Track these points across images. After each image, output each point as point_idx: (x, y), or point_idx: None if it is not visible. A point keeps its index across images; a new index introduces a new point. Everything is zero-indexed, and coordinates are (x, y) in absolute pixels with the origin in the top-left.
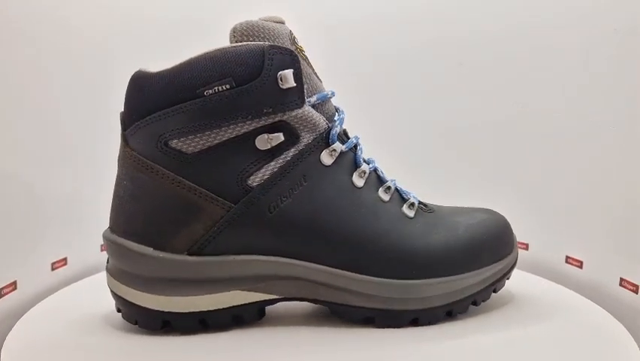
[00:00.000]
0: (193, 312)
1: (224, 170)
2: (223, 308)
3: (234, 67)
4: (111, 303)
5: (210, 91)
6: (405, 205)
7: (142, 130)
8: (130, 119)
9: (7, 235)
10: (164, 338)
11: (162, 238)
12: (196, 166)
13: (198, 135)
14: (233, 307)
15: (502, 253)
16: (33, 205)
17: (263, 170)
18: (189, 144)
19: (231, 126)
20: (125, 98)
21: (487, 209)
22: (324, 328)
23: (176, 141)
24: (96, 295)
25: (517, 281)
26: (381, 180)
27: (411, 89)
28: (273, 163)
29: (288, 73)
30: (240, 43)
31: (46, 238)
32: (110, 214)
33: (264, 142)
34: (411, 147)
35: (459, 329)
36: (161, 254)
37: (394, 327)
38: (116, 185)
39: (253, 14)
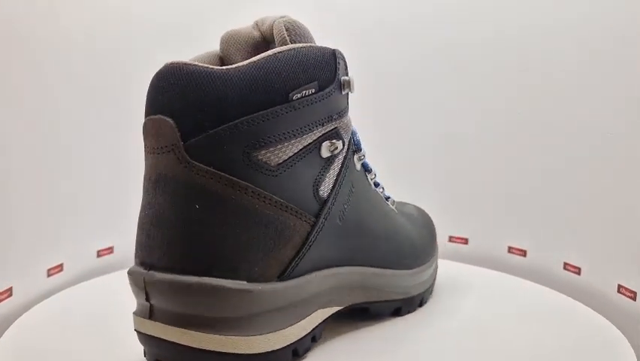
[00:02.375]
0: (287, 345)
1: (302, 181)
2: (308, 332)
3: (318, 70)
4: (104, 309)
5: (298, 95)
6: (389, 202)
7: (219, 140)
8: (196, 127)
9: (3, 242)
10: None
11: (253, 267)
12: (280, 179)
13: (285, 144)
14: (314, 328)
15: (436, 243)
16: (29, 211)
17: (327, 179)
18: (276, 155)
19: (309, 133)
20: (174, 101)
21: (409, 203)
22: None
23: (264, 151)
24: (90, 300)
25: (515, 288)
26: (375, 181)
27: (408, 92)
28: (331, 171)
29: (351, 78)
30: (311, 45)
31: (42, 244)
32: (157, 249)
33: (327, 149)
34: (409, 150)
35: (455, 333)
36: (259, 286)
37: (410, 312)
38: (167, 210)
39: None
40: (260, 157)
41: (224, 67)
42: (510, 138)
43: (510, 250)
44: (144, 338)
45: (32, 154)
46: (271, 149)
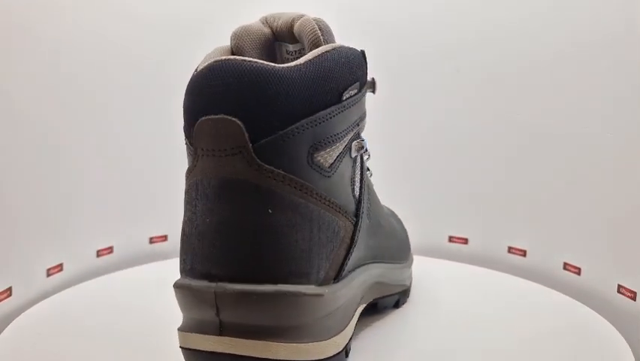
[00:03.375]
0: (345, 346)
1: (344, 181)
2: (353, 331)
3: (358, 70)
4: (104, 309)
5: (347, 95)
6: None
7: (287, 141)
8: (265, 127)
9: (3, 241)
10: (161, 343)
11: (320, 270)
12: (332, 180)
13: (336, 145)
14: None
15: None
16: (29, 211)
17: (356, 178)
18: (330, 155)
19: (349, 133)
20: (241, 100)
21: None
22: None
23: (322, 152)
24: (90, 300)
25: (515, 288)
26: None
27: (407, 91)
28: (357, 170)
29: (375, 79)
30: (343, 45)
31: (42, 244)
32: (226, 259)
33: (355, 149)
34: (408, 150)
35: (455, 332)
36: (326, 289)
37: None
38: (237, 217)
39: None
40: (319, 158)
41: (284, 65)
42: (510, 138)
43: (510, 250)
44: (207, 356)
45: (32, 154)
46: (327, 150)
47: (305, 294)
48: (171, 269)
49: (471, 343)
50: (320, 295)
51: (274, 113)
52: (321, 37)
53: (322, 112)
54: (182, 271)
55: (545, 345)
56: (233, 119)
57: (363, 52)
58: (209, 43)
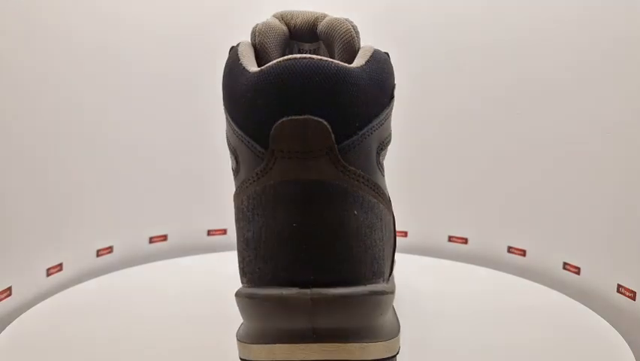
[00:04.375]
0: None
1: (385, 179)
2: None
3: (393, 72)
4: (104, 309)
5: (393, 95)
6: None
7: (365, 142)
8: (347, 128)
9: (3, 241)
10: (161, 343)
11: (389, 268)
12: (384, 179)
13: (389, 145)
14: None
15: None
16: (29, 211)
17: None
18: (383, 155)
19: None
20: (325, 100)
21: None
22: None
23: (383, 152)
24: (90, 300)
25: (514, 287)
26: None
27: (405, 92)
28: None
29: None
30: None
31: (42, 243)
32: (318, 264)
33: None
34: (408, 149)
35: (455, 332)
36: (392, 287)
37: None
38: (326, 220)
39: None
40: (380, 158)
41: (352, 65)
42: (510, 137)
43: (510, 249)
44: None
45: (32, 154)
46: (385, 150)
47: (387, 292)
48: (171, 269)
49: (471, 342)
50: (393, 293)
51: (355, 113)
52: (356, 39)
53: (383, 112)
54: (257, 280)
55: (545, 345)
56: (320, 119)
57: (387, 54)
58: (210, 42)
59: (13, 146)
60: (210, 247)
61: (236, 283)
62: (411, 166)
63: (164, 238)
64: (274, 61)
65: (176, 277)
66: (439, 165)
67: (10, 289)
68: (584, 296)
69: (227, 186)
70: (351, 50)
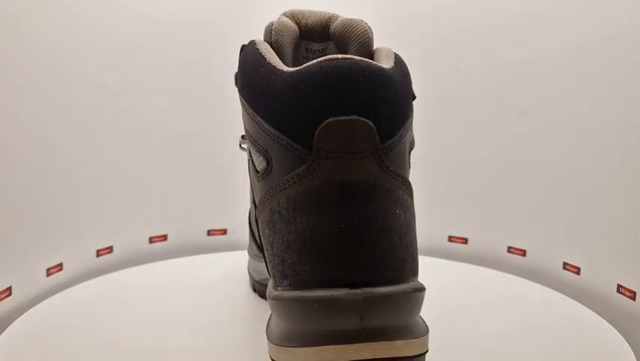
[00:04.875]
0: None
1: None
2: None
3: None
4: (104, 309)
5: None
6: None
7: (401, 143)
8: (388, 129)
9: (3, 241)
10: (161, 343)
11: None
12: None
13: (414, 146)
14: None
15: None
16: (29, 211)
17: None
18: (410, 155)
19: None
20: (368, 101)
21: None
22: None
23: (411, 152)
24: (89, 300)
25: (514, 287)
26: None
27: None
28: None
29: None
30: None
31: (42, 243)
32: (368, 264)
33: None
34: None
35: (451, 334)
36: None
37: None
38: (373, 220)
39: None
40: (409, 158)
41: (384, 66)
42: (510, 137)
43: (510, 249)
44: None
45: (32, 154)
46: (413, 150)
47: (424, 289)
48: (171, 269)
49: (470, 342)
50: (425, 290)
51: (394, 114)
52: (372, 41)
53: (412, 113)
54: (302, 282)
55: (544, 345)
56: (366, 120)
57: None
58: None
59: (13, 146)
60: (210, 247)
61: (237, 283)
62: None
63: (164, 238)
64: (314, 61)
65: (176, 277)
66: (438, 165)
67: (10, 289)
68: (583, 296)
69: (228, 186)
70: (367, 51)
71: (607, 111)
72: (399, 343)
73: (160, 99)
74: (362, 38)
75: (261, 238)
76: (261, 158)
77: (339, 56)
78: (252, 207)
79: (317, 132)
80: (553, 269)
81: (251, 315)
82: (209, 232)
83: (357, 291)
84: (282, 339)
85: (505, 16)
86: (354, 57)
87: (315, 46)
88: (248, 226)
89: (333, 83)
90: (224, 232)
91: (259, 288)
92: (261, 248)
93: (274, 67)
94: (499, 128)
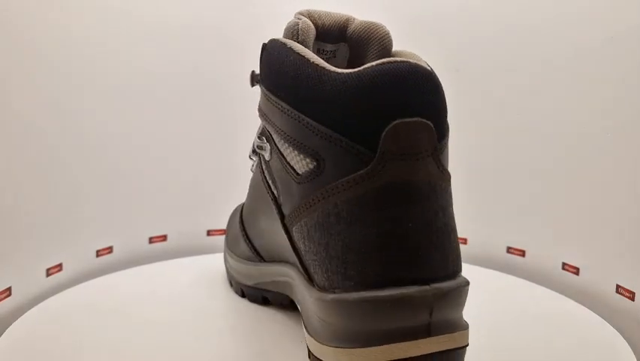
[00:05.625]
0: None
1: None
2: None
3: None
4: (103, 309)
5: None
6: None
7: (447, 143)
8: (442, 130)
9: (3, 241)
10: (161, 343)
11: None
12: None
13: None
14: None
15: None
16: (28, 211)
17: None
18: None
19: None
20: (428, 103)
21: None
22: None
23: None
24: (89, 301)
25: (513, 287)
26: None
27: None
28: None
29: None
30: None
31: (41, 243)
32: (433, 261)
33: None
34: None
35: None
36: None
37: None
38: (434, 219)
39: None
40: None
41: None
42: (509, 137)
43: (509, 250)
44: None
45: (32, 154)
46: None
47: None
48: (171, 269)
49: (469, 342)
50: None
51: (445, 115)
52: (392, 44)
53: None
54: (369, 282)
55: (543, 345)
56: (427, 121)
57: None
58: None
59: (14, 146)
60: (210, 247)
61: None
62: None
63: (164, 238)
64: (372, 63)
65: (177, 278)
66: None
67: (10, 289)
68: (582, 297)
69: (228, 186)
70: (387, 54)
71: (607, 111)
72: (456, 335)
73: (160, 100)
74: (384, 41)
75: (296, 242)
76: (308, 160)
77: (397, 59)
78: (240, 210)
79: (383, 134)
80: (553, 269)
81: (252, 314)
82: (209, 232)
83: (427, 287)
84: (343, 341)
85: (506, 15)
86: (408, 60)
87: (328, 47)
88: (236, 229)
89: (397, 85)
90: (224, 232)
91: (251, 292)
92: (257, 253)
93: (323, 67)
94: (498, 128)
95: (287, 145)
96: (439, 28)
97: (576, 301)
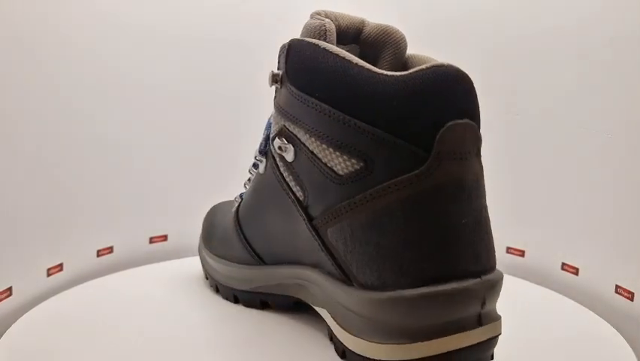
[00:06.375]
0: None
1: None
2: None
3: None
4: (103, 309)
5: None
6: None
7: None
8: (479, 129)
9: (3, 240)
10: (161, 343)
11: None
12: None
13: None
14: None
15: None
16: (29, 211)
17: None
18: None
19: None
20: (472, 106)
21: None
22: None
23: None
24: (89, 301)
25: (513, 288)
26: None
27: None
28: None
29: None
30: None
31: (42, 243)
32: (483, 255)
33: None
34: None
35: None
36: None
37: None
38: (481, 215)
39: None
40: None
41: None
42: (509, 137)
43: (508, 250)
44: (467, 352)
45: (32, 153)
46: None
47: None
48: (172, 269)
49: None
50: None
51: (480, 117)
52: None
53: None
54: (428, 278)
55: (543, 345)
56: (474, 123)
57: None
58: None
59: (14, 146)
60: None
61: None
62: None
63: (164, 238)
64: (423, 67)
65: (177, 278)
66: None
67: (10, 289)
68: (582, 297)
69: (228, 186)
70: (401, 58)
71: (607, 111)
72: (497, 323)
73: (160, 100)
74: (400, 46)
75: (332, 243)
76: (354, 160)
77: (445, 63)
78: (235, 212)
79: (439, 135)
80: (552, 270)
81: (254, 316)
82: None
83: (480, 280)
84: (398, 337)
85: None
86: (452, 64)
87: (341, 47)
88: (228, 232)
89: (447, 88)
90: None
91: (248, 297)
92: (257, 255)
93: (369, 69)
94: (497, 128)
95: (325, 146)
96: (439, 27)
97: (576, 301)
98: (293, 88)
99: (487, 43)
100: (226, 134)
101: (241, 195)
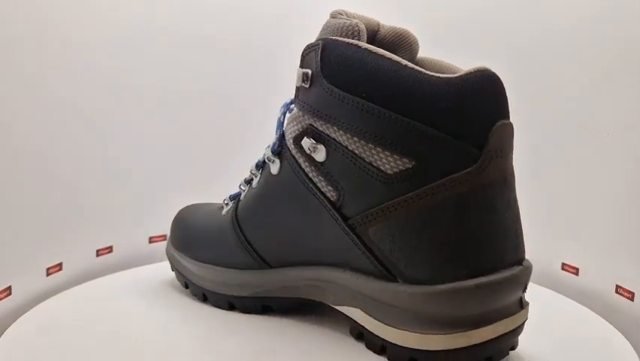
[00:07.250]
0: None
1: None
2: None
3: None
4: (103, 309)
5: None
6: None
7: None
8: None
9: (2, 240)
10: (161, 343)
11: None
12: None
13: None
14: None
15: None
16: (29, 211)
17: None
18: None
19: None
20: (507, 106)
21: None
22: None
23: None
24: (89, 300)
25: None
26: None
27: None
28: None
29: None
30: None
31: (42, 243)
32: (520, 245)
33: None
34: None
35: None
36: None
37: None
38: (516, 207)
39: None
40: None
41: None
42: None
43: None
44: (509, 336)
45: (32, 153)
46: None
47: None
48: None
49: None
50: None
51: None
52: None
53: None
54: (481, 269)
55: (543, 345)
56: (512, 123)
57: None
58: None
59: (14, 145)
60: None
61: None
62: None
63: (164, 238)
64: (469, 70)
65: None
66: None
67: (10, 289)
68: (582, 297)
69: (228, 186)
70: (413, 60)
71: (607, 111)
72: (528, 305)
73: (160, 100)
74: (414, 48)
75: (374, 241)
76: (405, 159)
77: (486, 67)
78: (234, 216)
79: (491, 133)
80: (552, 270)
81: (258, 320)
82: None
83: (522, 267)
84: (455, 326)
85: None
86: (490, 69)
87: None
88: (224, 237)
89: (494, 90)
90: None
91: (247, 303)
92: (262, 258)
93: (420, 71)
94: None
95: (370, 145)
96: (439, 26)
97: (576, 301)
98: (332, 87)
99: (489, 43)
100: (226, 135)
101: (232, 198)
